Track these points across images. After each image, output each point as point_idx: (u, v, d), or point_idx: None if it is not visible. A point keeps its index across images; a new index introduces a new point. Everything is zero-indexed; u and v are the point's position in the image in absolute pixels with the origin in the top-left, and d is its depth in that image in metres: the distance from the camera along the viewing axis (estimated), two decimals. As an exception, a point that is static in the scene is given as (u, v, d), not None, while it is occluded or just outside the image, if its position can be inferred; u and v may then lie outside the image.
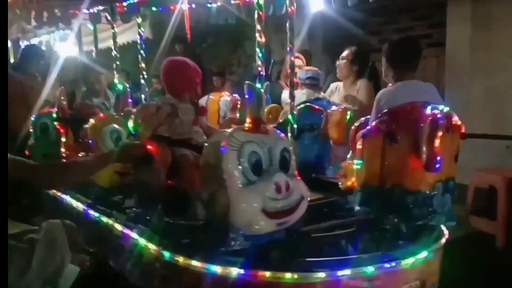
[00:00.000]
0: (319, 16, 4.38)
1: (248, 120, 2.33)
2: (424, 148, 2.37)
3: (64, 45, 6.49)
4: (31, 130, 4.70)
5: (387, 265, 2.27)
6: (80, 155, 3.69)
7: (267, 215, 2.18)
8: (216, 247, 2.26)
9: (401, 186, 2.49)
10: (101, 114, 3.83)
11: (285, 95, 4.37)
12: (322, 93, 4.33)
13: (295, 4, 3.19)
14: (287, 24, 3.16)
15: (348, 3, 3.74)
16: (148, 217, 2.73)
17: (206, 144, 2.43)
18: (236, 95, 4.39)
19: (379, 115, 2.68)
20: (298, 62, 4.42)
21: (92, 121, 3.63)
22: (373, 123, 2.67)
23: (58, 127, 4.17)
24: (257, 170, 2.21)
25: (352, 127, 3.06)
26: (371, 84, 4.39)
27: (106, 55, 5.87)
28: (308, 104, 3.52)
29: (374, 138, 2.59)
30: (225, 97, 4.43)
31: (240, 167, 2.19)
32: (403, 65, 2.89)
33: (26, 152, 4.75)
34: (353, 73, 4.31)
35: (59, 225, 2.41)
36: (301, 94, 4.05)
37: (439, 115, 2.36)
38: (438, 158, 2.34)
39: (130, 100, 4.49)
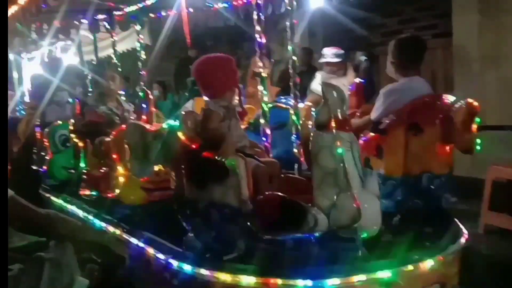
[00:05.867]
0: (319, 12, 4.30)
1: (335, 119, 2.25)
2: (461, 134, 2.52)
3: (66, 56, 6.47)
4: (46, 143, 4.59)
5: (405, 268, 2.21)
6: (102, 171, 3.50)
7: None
8: (348, 256, 2.20)
9: (429, 172, 2.65)
10: (123, 125, 3.48)
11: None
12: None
13: (294, 3, 3.10)
14: (287, 23, 3.07)
15: (350, -2, 3.66)
16: (228, 241, 2.42)
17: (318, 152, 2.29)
18: None
19: (401, 108, 2.78)
20: None
21: (114, 133, 3.35)
22: (394, 117, 2.76)
23: (76, 140, 4.02)
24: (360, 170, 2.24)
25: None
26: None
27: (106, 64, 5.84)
28: (275, 103, 3.51)
29: (396, 131, 2.69)
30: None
31: (357, 168, 2.19)
32: (409, 62, 3.00)
33: (44, 167, 4.65)
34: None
35: (67, 242, 2.37)
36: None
37: (475, 103, 2.51)
38: (478, 141, 2.54)
39: (153, 109, 4.26)
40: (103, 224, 3.29)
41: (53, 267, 2.23)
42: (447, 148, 2.64)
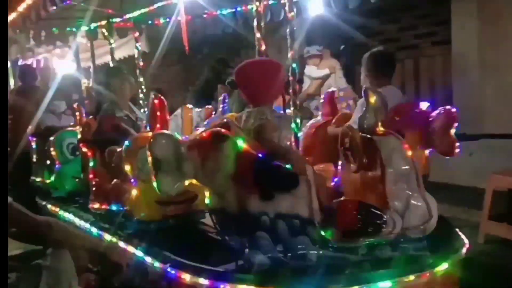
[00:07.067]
0: (319, 19, 4.29)
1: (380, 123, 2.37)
2: (441, 138, 2.63)
3: (63, 62, 6.46)
4: (53, 153, 4.40)
5: (405, 279, 2.18)
6: (113, 183, 3.25)
7: None
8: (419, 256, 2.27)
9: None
10: (137, 134, 3.25)
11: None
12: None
13: (294, 10, 3.09)
14: (287, 30, 3.05)
15: (349, 5, 3.65)
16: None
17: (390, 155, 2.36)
18: (209, 106, 4.25)
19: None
20: None
21: (126, 142, 3.04)
22: None
23: (84, 149, 3.72)
24: None
25: (310, 131, 3.24)
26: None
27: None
28: None
29: None
30: (196, 108, 4.09)
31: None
32: (382, 73, 3.32)
33: (52, 177, 4.54)
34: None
35: (65, 250, 2.35)
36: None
37: (453, 109, 2.64)
38: (458, 144, 2.62)
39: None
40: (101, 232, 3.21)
41: (51, 275, 2.22)
42: (426, 152, 2.79)
